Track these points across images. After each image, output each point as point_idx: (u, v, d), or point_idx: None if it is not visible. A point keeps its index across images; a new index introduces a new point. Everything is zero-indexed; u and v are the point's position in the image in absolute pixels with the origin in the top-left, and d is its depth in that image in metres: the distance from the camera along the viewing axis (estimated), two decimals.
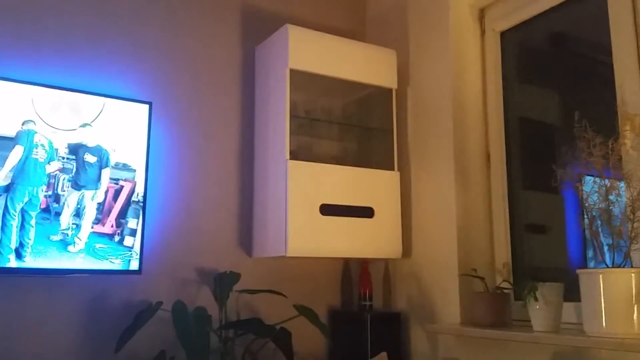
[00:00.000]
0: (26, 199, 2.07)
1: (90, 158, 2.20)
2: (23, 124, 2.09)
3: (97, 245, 2.18)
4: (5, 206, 2.03)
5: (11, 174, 2.05)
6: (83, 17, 2.40)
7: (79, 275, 2.19)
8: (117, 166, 2.25)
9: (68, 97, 2.18)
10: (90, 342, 2.23)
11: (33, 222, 2.08)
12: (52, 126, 2.14)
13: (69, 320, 2.21)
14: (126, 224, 2.23)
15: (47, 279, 2.18)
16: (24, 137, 2.08)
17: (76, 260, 2.13)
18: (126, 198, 2.24)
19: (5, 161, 2.05)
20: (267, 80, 2.63)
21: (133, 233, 2.24)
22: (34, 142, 2.10)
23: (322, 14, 3.00)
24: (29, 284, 2.15)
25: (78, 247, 2.14)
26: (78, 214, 2.17)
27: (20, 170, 2.07)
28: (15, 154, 2.07)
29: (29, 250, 2.06)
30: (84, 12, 2.40)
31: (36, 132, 2.11)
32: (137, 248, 2.24)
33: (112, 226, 2.21)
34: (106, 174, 2.23)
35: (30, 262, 2.06)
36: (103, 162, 2.23)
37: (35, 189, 2.09)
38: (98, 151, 2.22)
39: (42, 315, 2.16)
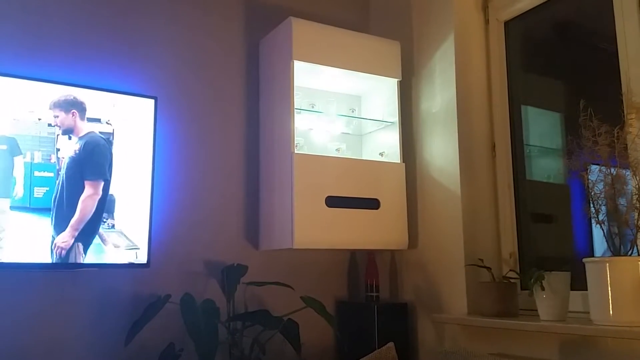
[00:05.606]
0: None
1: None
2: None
3: None
4: None
5: None
6: (87, 12, 2.40)
7: (88, 270, 2.21)
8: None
9: (73, 93, 2.19)
10: (100, 335, 2.25)
11: None
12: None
13: (78, 314, 2.23)
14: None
15: (56, 273, 2.20)
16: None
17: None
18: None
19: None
20: (272, 73, 2.63)
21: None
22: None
23: (326, 6, 3.00)
24: (39, 278, 2.17)
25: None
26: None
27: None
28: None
29: None
30: (88, 7, 2.40)
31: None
32: (144, 242, 2.25)
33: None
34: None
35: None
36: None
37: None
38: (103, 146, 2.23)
39: (52, 308, 2.18)
